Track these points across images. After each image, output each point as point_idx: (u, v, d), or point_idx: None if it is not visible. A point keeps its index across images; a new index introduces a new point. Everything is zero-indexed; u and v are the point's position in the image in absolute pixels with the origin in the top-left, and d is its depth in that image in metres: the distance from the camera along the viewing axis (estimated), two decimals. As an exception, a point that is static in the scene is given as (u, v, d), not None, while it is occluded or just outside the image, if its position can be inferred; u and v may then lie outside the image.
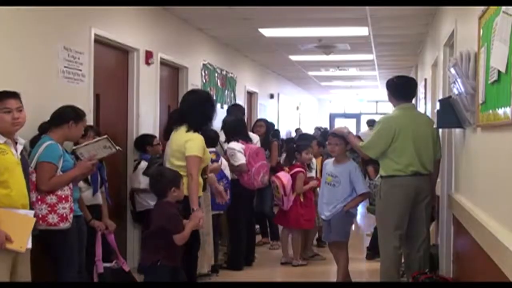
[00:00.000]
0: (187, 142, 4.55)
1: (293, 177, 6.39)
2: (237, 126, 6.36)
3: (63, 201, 3.82)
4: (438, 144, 4.89)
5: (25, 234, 3.34)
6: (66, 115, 4.02)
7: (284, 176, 6.36)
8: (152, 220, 4.21)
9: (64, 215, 3.81)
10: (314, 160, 6.79)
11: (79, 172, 3.99)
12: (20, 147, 3.48)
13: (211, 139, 5.61)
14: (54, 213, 3.78)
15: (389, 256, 4.76)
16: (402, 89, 4.95)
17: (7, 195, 3.31)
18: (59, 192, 3.82)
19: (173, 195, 4.18)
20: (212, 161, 5.48)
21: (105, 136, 4.18)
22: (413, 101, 5.24)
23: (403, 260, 4.98)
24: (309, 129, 16.08)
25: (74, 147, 4.13)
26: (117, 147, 4.16)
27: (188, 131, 4.65)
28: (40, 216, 3.74)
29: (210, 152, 5.26)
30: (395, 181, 4.72)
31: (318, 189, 6.37)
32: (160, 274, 4.07)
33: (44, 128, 4.07)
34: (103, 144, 4.10)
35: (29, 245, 3.37)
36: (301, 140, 7.21)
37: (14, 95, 3.43)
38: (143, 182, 5.75)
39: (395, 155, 4.71)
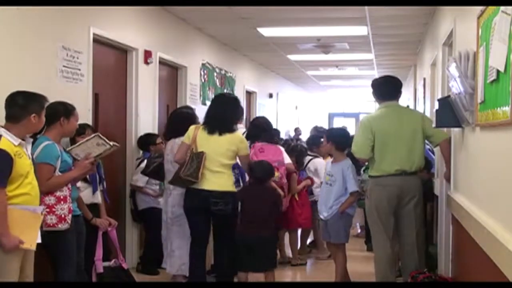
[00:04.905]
0: (242, 143, 4.96)
1: (287, 178, 6.38)
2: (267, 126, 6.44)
3: (62, 202, 3.80)
4: (435, 131, 4.76)
5: (34, 231, 3.35)
6: (56, 112, 3.98)
7: None
8: (252, 201, 4.94)
9: (63, 216, 3.79)
10: (321, 161, 6.74)
11: (78, 173, 3.97)
12: (29, 148, 3.49)
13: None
14: (52, 214, 3.76)
15: (380, 254, 4.81)
16: (384, 87, 4.99)
17: (26, 197, 3.33)
18: (57, 193, 3.81)
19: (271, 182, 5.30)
20: None
21: (96, 133, 4.15)
22: (409, 101, 5.23)
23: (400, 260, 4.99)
24: (307, 129, 16.05)
25: (68, 148, 4.10)
26: (112, 143, 4.10)
27: (230, 132, 4.88)
28: None
29: None
30: (379, 181, 4.74)
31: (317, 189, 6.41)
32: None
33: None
34: (96, 141, 4.05)
35: (39, 240, 3.40)
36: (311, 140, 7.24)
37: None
38: (141, 180, 5.75)
39: (378, 155, 4.72)
